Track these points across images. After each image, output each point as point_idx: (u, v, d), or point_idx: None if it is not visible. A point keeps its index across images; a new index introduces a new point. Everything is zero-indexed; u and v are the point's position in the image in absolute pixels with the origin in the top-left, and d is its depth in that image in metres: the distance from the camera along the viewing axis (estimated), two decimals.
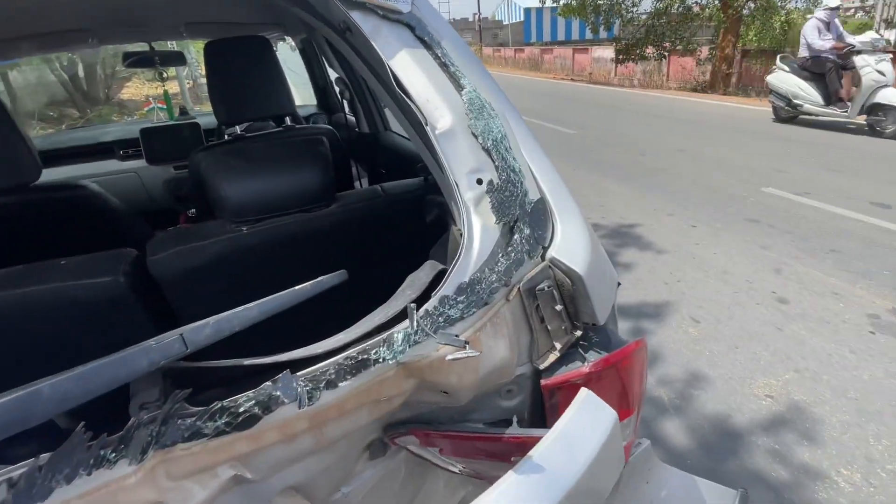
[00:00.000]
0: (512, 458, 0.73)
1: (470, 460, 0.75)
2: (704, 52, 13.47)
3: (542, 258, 0.73)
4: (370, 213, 1.18)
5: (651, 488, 1.04)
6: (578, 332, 0.75)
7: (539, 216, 0.74)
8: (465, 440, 0.70)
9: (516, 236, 0.71)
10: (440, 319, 0.62)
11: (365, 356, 0.59)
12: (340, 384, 0.58)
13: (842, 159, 6.10)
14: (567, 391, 0.74)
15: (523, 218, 0.72)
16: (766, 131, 7.63)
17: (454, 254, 0.70)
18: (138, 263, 1.02)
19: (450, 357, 0.58)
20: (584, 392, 0.83)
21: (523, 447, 0.69)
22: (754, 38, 11.60)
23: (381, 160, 2.37)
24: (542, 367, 0.73)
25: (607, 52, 16.76)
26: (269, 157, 1.11)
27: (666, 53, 14.22)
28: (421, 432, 0.70)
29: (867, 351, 2.68)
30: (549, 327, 0.73)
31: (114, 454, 0.48)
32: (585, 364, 0.73)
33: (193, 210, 2.18)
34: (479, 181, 0.72)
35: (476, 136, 0.73)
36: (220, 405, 0.53)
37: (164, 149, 2.37)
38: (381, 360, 0.59)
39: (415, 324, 0.60)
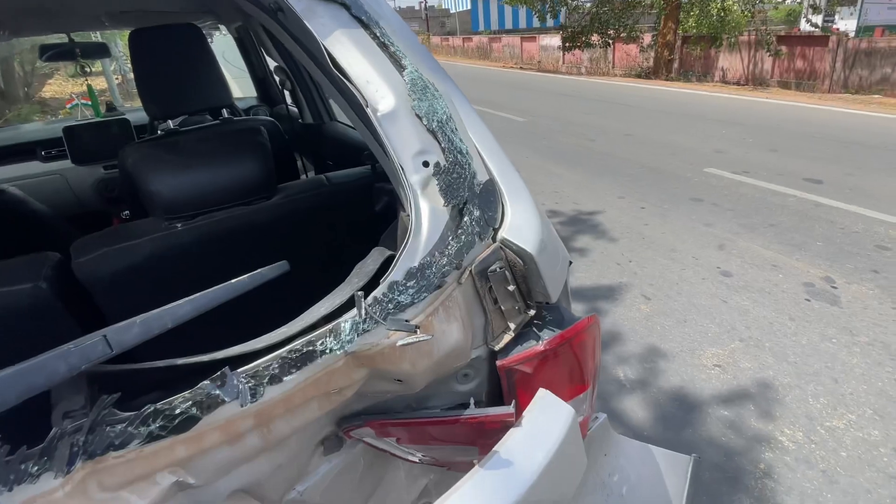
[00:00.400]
0: (472, 443, 0.72)
1: (429, 447, 0.74)
2: (647, 38, 13.87)
3: (493, 240, 0.72)
4: (315, 203, 1.14)
5: (610, 459, 1.07)
6: (532, 312, 0.75)
7: (488, 198, 0.73)
8: (422, 426, 0.68)
9: (466, 218, 0.70)
10: (390, 306, 0.61)
11: (310, 348, 0.57)
12: (285, 378, 0.55)
13: (777, 139, 6.43)
14: (524, 370, 0.74)
15: (472, 200, 0.71)
16: (706, 114, 7.95)
17: (403, 240, 0.68)
18: (62, 267, 0.95)
19: (401, 343, 0.56)
20: (541, 392, 0.84)
21: (482, 428, 0.69)
22: (693, 25, 12.02)
23: (327, 151, 2.30)
24: (497, 347, 0.73)
25: (554, 41, 16.99)
26: (204, 150, 1.05)
27: (610, 41, 14.55)
28: (376, 423, 0.69)
29: (804, 318, 2.85)
30: (502, 308, 0.72)
31: (36, 468, 0.44)
32: (540, 342, 0.74)
33: (127, 212, 2.05)
34: (426, 164, 0.70)
35: (420, 118, 0.71)
36: (152, 408, 0.49)
37: (90, 148, 2.19)
38: (328, 350, 0.57)
39: (363, 312, 0.58)
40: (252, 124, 1.31)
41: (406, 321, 0.58)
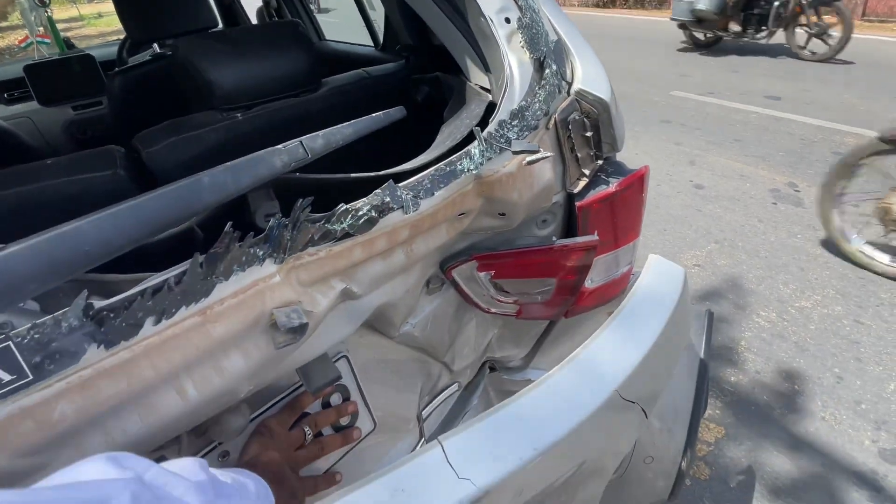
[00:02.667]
0: (556, 273, 0.83)
1: (518, 281, 0.84)
2: None
3: (569, 93, 0.80)
4: (360, 95, 1.18)
5: None
6: (600, 162, 0.85)
7: (560, 55, 0.80)
8: (519, 256, 0.78)
9: (546, 71, 0.77)
10: (501, 140, 0.68)
11: (452, 167, 0.64)
12: (436, 192, 0.63)
13: (738, 60, 6.61)
14: (597, 211, 0.84)
15: (550, 55, 0.78)
16: (667, 41, 8.02)
17: (468, 102, 0.75)
18: (131, 158, 0.97)
19: (528, 160, 0.64)
20: (653, 257, 0.96)
21: (569, 255, 0.79)
22: None
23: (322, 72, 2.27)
24: (575, 191, 0.82)
25: None
26: (253, 42, 1.06)
27: None
28: (482, 255, 0.78)
29: (772, 219, 3.09)
30: (578, 155, 0.81)
31: (262, 252, 0.50)
32: (611, 184, 0.83)
33: None
34: (508, 20, 0.76)
35: None
36: (343, 208, 0.56)
37: (56, 87, 2.06)
38: (465, 170, 0.65)
39: (483, 142, 0.66)
40: (290, 20, 1.29)
41: (528, 142, 0.66)
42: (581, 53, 0.82)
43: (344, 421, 0.79)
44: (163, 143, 0.97)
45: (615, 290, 1.09)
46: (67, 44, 3.31)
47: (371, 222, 0.58)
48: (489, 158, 0.67)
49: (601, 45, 8.18)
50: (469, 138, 0.68)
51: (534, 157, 0.65)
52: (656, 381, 0.90)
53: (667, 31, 8.92)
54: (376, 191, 0.59)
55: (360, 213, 0.56)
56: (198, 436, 0.63)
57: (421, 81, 1.18)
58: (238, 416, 0.63)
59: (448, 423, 1.07)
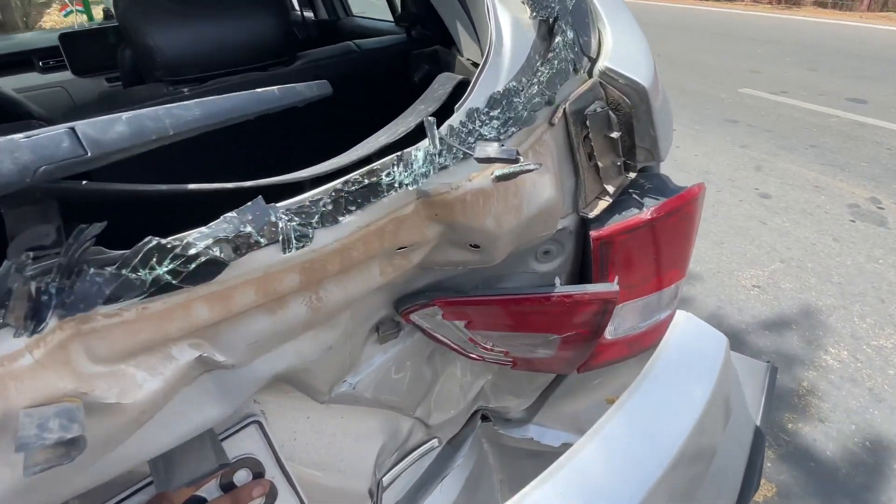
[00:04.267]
0: (557, 328, 0.59)
1: (503, 335, 0.62)
2: None
3: (590, 74, 0.55)
4: (343, 71, 0.96)
5: None
6: (632, 175, 0.60)
7: (582, 18, 0.55)
8: (502, 305, 0.55)
9: (558, 39, 0.52)
10: (470, 139, 0.45)
11: (373, 179, 0.42)
12: (341, 219, 0.41)
13: (816, 58, 5.98)
14: (621, 245, 0.60)
15: (565, 16, 0.53)
16: (738, 33, 7.39)
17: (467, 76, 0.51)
18: None
19: (498, 173, 0.41)
20: (682, 314, 0.72)
21: (575, 309, 0.55)
22: None
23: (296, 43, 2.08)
24: (591, 215, 0.58)
25: None
26: (210, 3, 0.86)
27: None
28: (446, 300, 0.55)
29: (849, 238, 2.69)
30: (599, 165, 0.57)
31: None
32: (645, 209, 0.58)
33: None
34: None
35: None
36: (154, 242, 0.34)
37: (90, 58, 2.02)
38: (396, 184, 0.42)
39: (436, 141, 0.43)
40: None
41: (502, 145, 0.43)
42: (615, 20, 0.57)
43: None
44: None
45: (649, 340, 0.84)
46: (107, 14, 3.27)
47: (213, 266, 0.36)
48: (442, 167, 0.44)
49: (665, 37, 7.64)
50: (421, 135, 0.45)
51: (507, 170, 0.41)
52: (694, 483, 0.66)
53: (739, 22, 8.25)
54: (227, 214, 0.37)
55: (191, 251, 0.35)
56: None
57: (421, 57, 0.96)
58: None
59: (421, 489, 0.86)
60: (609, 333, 0.76)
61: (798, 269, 2.50)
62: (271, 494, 0.62)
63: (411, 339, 0.66)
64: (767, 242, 2.71)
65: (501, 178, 0.41)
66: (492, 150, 0.41)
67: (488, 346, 0.73)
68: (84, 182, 0.35)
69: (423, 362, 0.70)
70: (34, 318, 0.30)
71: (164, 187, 0.39)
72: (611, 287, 0.54)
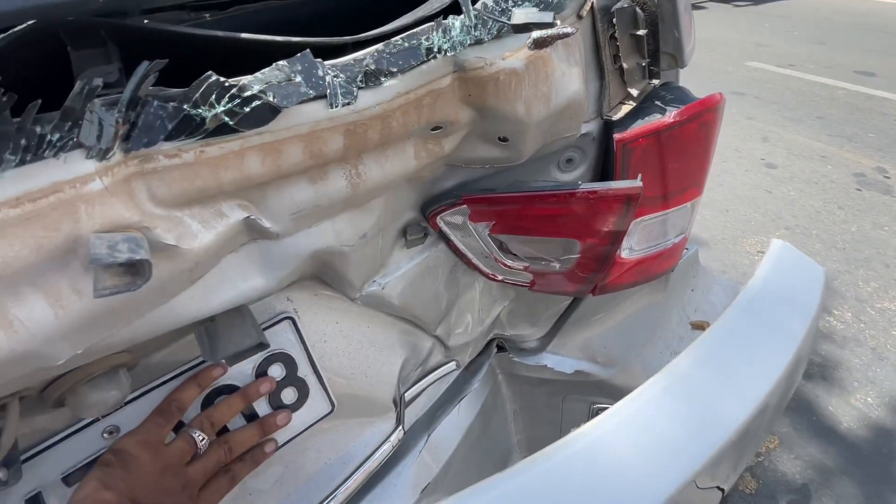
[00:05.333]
0: (580, 233, 0.61)
1: (527, 241, 0.63)
2: None
3: None
4: (364, 7, 0.96)
5: (696, 296, 0.97)
6: (656, 81, 0.61)
7: None
8: (528, 202, 0.57)
9: None
10: (498, 13, 0.46)
11: (414, 41, 0.43)
12: (384, 80, 0.42)
13: (825, 31, 5.91)
14: (643, 151, 0.61)
15: None
16: (746, 8, 7.29)
17: None
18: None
19: (535, 35, 0.41)
20: (778, 242, 0.71)
21: (599, 206, 0.57)
22: None
23: None
24: (615, 117, 0.59)
25: None
26: None
27: None
28: (474, 198, 0.57)
29: (854, 206, 2.69)
30: (623, 66, 0.58)
31: (58, 136, 0.31)
32: (668, 113, 0.60)
33: None
34: None
35: None
36: (214, 78, 0.35)
37: None
38: (436, 50, 0.43)
39: (471, 15, 0.44)
40: None
41: (538, 8, 0.43)
42: None
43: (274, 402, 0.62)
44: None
45: (661, 266, 0.86)
46: None
47: (266, 110, 0.37)
48: (477, 40, 0.44)
49: None
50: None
51: (544, 33, 0.41)
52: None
53: None
54: (278, 63, 0.38)
55: (247, 92, 0.36)
56: (54, 405, 0.47)
57: None
58: (104, 387, 0.46)
59: (439, 410, 0.89)
60: (625, 250, 0.78)
61: (803, 235, 2.52)
62: (303, 394, 0.65)
63: (435, 249, 0.68)
64: (773, 210, 2.72)
65: (538, 44, 0.42)
66: (529, 14, 0.42)
67: (508, 264, 0.75)
68: (146, 21, 0.36)
69: (446, 276, 0.72)
70: (104, 143, 0.32)
71: (220, 33, 0.40)
72: (634, 183, 0.55)
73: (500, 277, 0.77)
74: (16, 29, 0.30)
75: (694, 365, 0.58)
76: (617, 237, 0.63)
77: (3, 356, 0.34)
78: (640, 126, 0.59)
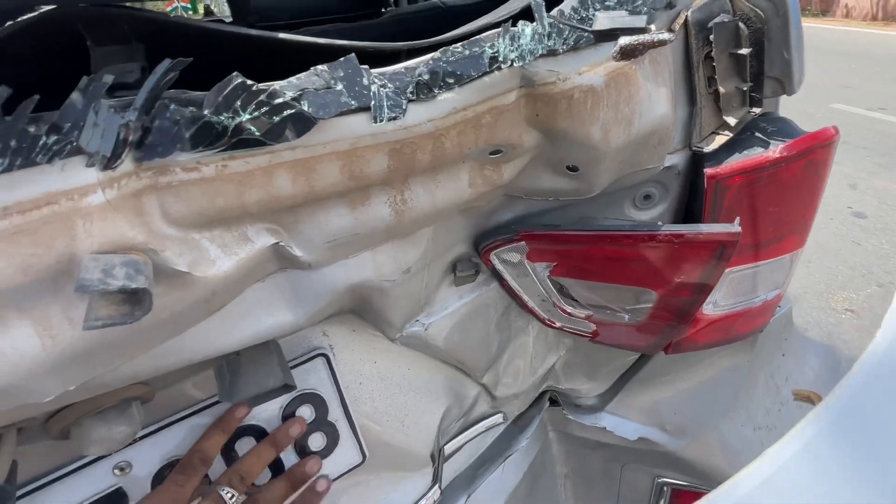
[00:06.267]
0: (655, 282, 0.52)
1: (592, 287, 0.55)
2: None
3: None
4: (428, 27, 0.93)
5: (787, 362, 0.84)
6: (756, 111, 0.52)
7: None
8: (599, 243, 0.48)
9: None
10: (584, 27, 0.39)
11: (476, 49, 0.37)
12: (438, 92, 0.36)
13: None
14: (739, 190, 0.52)
15: None
16: (829, 48, 6.94)
17: None
18: None
19: (623, 42, 0.34)
20: None
21: (685, 253, 0.48)
22: None
23: None
24: (707, 149, 0.51)
25: None
26: None
27: None
28: (535, 234, 0.49)
29: None
30: (720, 91, 0.49)
31: (55, 139, 0.27)
32: (772, 148, 0.50)
33: None
34: None
35: None
36: (240, 80, 0.30)
37: None
38: (500, 58, 0.37)
39: (545, 22, 0.37)
40: None
41: (628, 11, 0.36)
42: None
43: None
44: None
45: (750, 325, 0.74)
46: (207, 11, 3.39)
47: (300, 121, 0.32)
48: (550, 51, 0.38)
49: None
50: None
51: (634, 40, 0.34)
52: None
53: (830, 38, 7.75)
54: (316, 67, 0.33)
55: (278, 100, 0.31)
56: (58, 437, 0.42)
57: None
58: (113, 421, 0.41)
59: (481, 467, 0.80)
60: (709, 305, 0.67)
61: None
62: (332, 440, 0.58)
63: (487, 289, 0.61)
64: (862, 264, 2.46)
65: (625, 53, 0.35)
66: (616, 17, 0.35)
67: (568, 310, 0.66)
68: (171, 13, 0.32)
69: (497, 319, 0.64)
70: (109, 150, 0.27)
71: (254, 31, 0.36)
72: (731, 227, 0.46)
73: (558, 324, 0.69)
74: (27, 16, 0.27)
75: (827, 450, 0.44)
76: (702, 290, 0.54)
77: None
78: (737, 161, 0.50)
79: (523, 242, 0.51)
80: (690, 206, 0.56)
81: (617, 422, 0.85)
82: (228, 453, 0.53)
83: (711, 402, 0.81)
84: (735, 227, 0.47)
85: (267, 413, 0.54)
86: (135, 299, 0.29)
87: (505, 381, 0.75)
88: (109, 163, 0.28)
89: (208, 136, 0.30)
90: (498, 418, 0.79)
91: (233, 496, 0.48)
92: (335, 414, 0.57)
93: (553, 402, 0.89)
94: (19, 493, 0.43)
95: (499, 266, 0.57)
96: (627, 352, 0.80)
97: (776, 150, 0.50)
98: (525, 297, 0.63)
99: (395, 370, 0.62)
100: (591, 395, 0.86)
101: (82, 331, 0.28)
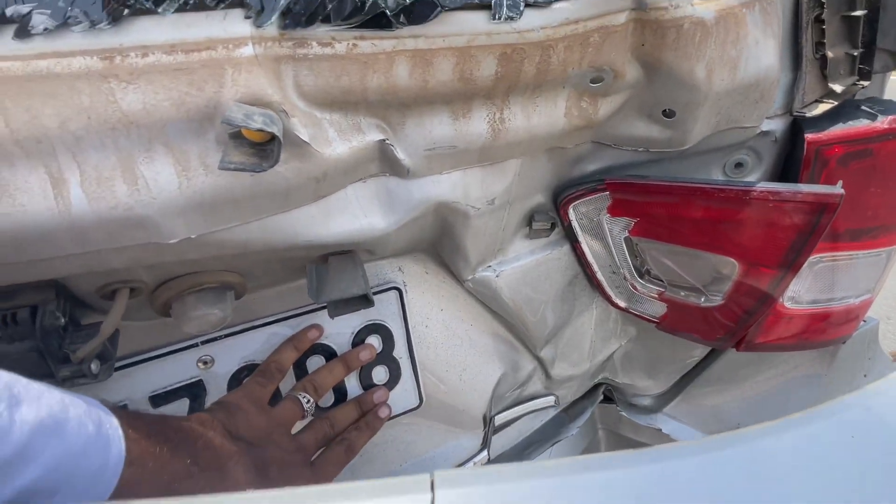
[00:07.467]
0: (742, 249, 0.50)
1: (672, 251, 0.53)
2: None
3: None
4: None
5: (868, 382, 0.78)
6: (864, 84, 0.51)
7: None
8: (688, 197, 0.48)
9: None
10: None
11: None
12: (557, 2, 0.38)
13: None
14: (839, 163, 0.50)
15: None
16: None
17: None
18: None
19: None
20: None
21: (780, 215, 0.47)
22: None
23: None
24: (809, 114, 0.50)
25: None
26: None
27: None
28: (619, 182, 0.49)
29: None
30: (827, 56, 0.49)
31: None
32: (879, 119, 0.49)
33: None
34: None
35: None
36: None
37: None
38: None
39: None
40: None
41: None
42: None
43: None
44: None
45: (832, 333, 0.70)
46: None
47: (427, 8, 0.34)
48: None
49: None
50: None
51: None
52: None
53: None
54: None
55: None
56: (160, 310, 0.45)
57: None
58: (210, 302, 0.44)
59: (528, 448, 0.78)
60: (789, 299, 0.64)
61: None
62: (394, 376, 0.59)
63: (559, 250, 0.61)
64: None
65: None
66: None
67: (638, 287, 0.65)
68: None
69: (563, 286, 0.64)
70: (263, 8, 0.31)
71: None
72: (833, 189, 0.44)
73: (623, 304, 0.67)
74: None
75: None
76: (790, 265, 0.51)
77: (119, 215, 0.32)
78: (842, 128, 0.49)
79: (607, 192, 0.51)
80: (786, 177, 0.55)
81: (675, 426, 0.81)
82: (300, 368, 0.55)
83: (780, 414, 0.76)
84: (838, 188, 0.45)
85: (339, 337, 0.56)
86: (264, 154, 0.32)
87: (561, 359, 0.74)
88: (262, 18, 0.31)
89: (347, 9, 0.33)
90: (550, 399, 0.77)
91: (309, 400, 0.51)
92: (400, 350, 0.58)
93: (607, 398, 0.86)
94: (116, 365, 0.47)
95: (575, 224, 0.57)
96: (692, 348, 0.77)
97: (885, 120, 0.49)
98: (595, 266, 0.63)
99: (458, 322, 0.63)
100: (649, 393, 0.83)
101: (217, 178, 0.31)
